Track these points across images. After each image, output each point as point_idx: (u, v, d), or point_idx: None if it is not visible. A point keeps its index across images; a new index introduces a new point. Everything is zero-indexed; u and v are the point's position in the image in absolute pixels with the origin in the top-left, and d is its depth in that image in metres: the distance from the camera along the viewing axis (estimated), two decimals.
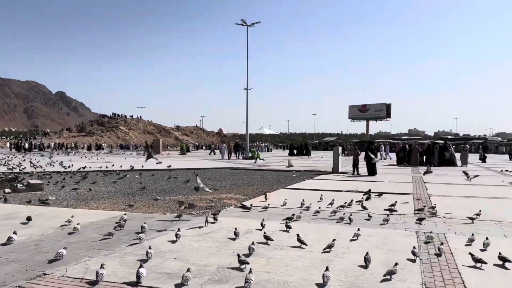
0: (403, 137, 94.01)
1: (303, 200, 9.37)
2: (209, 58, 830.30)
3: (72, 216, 7.13)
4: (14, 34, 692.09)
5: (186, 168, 21.79)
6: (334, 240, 5.52)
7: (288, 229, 6.52)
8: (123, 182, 15.16)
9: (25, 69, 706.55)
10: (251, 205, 8.91)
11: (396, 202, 9.05)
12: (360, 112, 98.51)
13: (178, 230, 6.10)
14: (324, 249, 5.31)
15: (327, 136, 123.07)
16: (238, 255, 4.69)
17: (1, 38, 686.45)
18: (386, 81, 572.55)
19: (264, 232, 6.00)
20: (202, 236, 6.11)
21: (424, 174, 16.73)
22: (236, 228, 6.21)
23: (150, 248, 5.04)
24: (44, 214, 7.46)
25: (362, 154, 20.13)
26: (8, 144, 56.30)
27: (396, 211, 8.26)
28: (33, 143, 61.65)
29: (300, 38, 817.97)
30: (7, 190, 11.90)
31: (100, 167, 21.14)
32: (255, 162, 28.30)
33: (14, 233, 5.83)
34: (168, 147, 69.99)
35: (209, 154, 42.95)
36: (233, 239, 5.91)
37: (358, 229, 6.32)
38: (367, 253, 4.79)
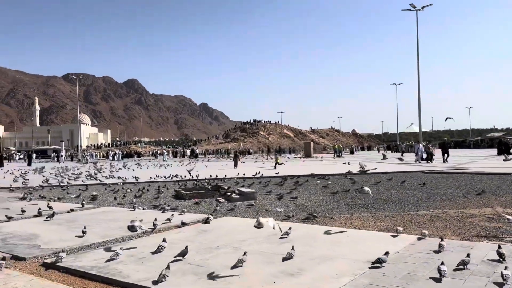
0: None
1: None
2: (346, 54, 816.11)
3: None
4: (165, 54, 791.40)
5: (382, 172, 18.88)
6: None
7: None
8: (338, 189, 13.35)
9: (174, 85, 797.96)
10: None
11: None
12: None
13: None
14: None
15: (486, 131, 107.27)
16: None
17: (154, 60, 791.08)
18: None
19: None
20: None
21: None
22: None
23: None
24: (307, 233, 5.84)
25: None
26: (188, 152, 65.17)
27: None
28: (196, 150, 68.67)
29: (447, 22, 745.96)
30: (221, 200, 11.15)
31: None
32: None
33: None
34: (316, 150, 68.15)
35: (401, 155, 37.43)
36: None
37: None
38: None
